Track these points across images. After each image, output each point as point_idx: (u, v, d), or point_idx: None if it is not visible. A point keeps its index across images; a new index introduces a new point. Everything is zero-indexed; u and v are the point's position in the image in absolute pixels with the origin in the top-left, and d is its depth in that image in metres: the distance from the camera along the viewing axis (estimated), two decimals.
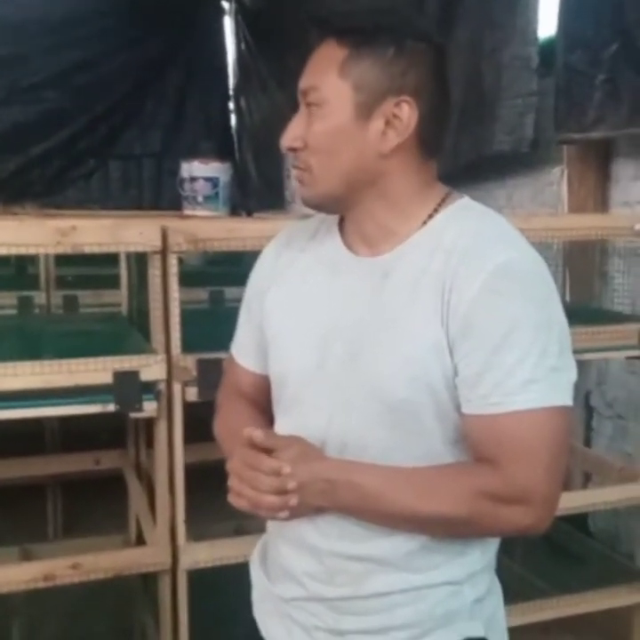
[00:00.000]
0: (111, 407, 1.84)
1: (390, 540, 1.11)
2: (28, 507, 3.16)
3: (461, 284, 1.04)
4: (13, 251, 1.78)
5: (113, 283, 3.13)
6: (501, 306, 1.03)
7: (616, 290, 3.18)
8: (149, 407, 1.87)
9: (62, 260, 3.31)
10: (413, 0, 3.86)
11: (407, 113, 1.08)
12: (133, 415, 1.88)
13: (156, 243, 1.85)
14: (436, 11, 3.71)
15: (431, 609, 1.12)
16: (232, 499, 1.09)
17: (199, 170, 2.87)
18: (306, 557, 1.16)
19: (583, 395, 3.30)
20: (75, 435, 3.12)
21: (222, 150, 6.05)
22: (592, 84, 2.73)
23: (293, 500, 1.05)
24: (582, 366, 1.28)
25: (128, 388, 1.84)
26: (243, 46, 6.29)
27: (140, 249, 1.87)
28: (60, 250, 1.80)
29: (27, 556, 2.59)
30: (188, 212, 2.86)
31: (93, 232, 1.81)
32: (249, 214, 4.77)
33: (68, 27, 5.80)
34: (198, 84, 6.43)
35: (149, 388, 1.87)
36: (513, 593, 1.25)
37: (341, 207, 1.16)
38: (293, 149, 1.12)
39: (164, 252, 1.87)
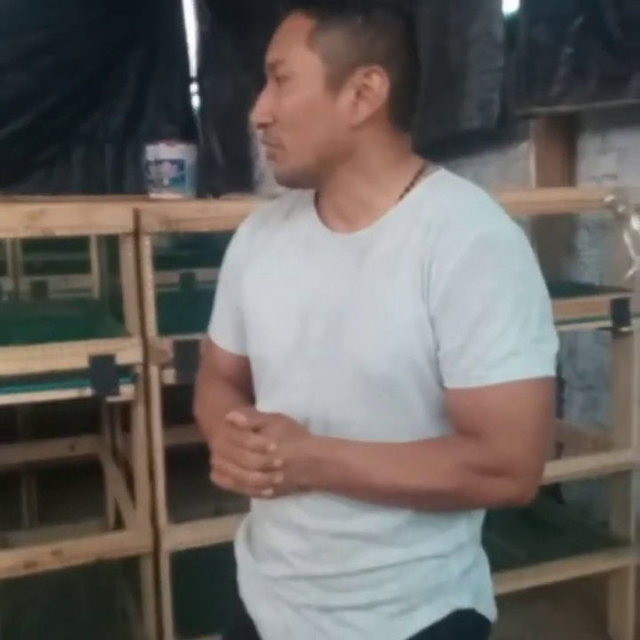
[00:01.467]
0: (88, 391, 1.82)
1: (376, 516, 1.11)
2: (3, 495, 3.13)
3: (441, 257, 1.03)
4: None
5: (82, 268, 3.11)
6: (481, 279, 1.02)
7: (584, 263, 3.22)
8: (126, 391, 1.85)
9: (30, 245, 3.27)
10: None
11: (378, 82, 1.06)
12: (110, 399, 1.86)
13: (129, 225, 1.83)
14: None
15: (419, 582, 1.12)
16: (215, 477, 1.08)
17: (165, 152, 2.83)
18: (292, 536, 1.16)
19: (555, 367, 3.35)
20: (47, 422, 3.10)
21: (185, 133, 6.02)
22: (556, 58, 2.75)
23: (278, 478, 1.05)
24: None
25: (104, 371, 1.82)
26: (206, 27, 6.22)
27: (112, 231, 1.85)
28: (30, 234, 1.77)
29: (4, 544, 2.58)
30: (153, 195, 2.80)
31: (64, 215, 1.79)
32: (216, 196, 4.73)
33: (29, 10, 5.70)
34: (160, 67, 6.36)
35: (126, 371, 1.86)
36: (491, 563, 1.25)
37: (315, 182, 1.15)
38: (264, 125, 1.10)
39: (136, 234, 1.85)
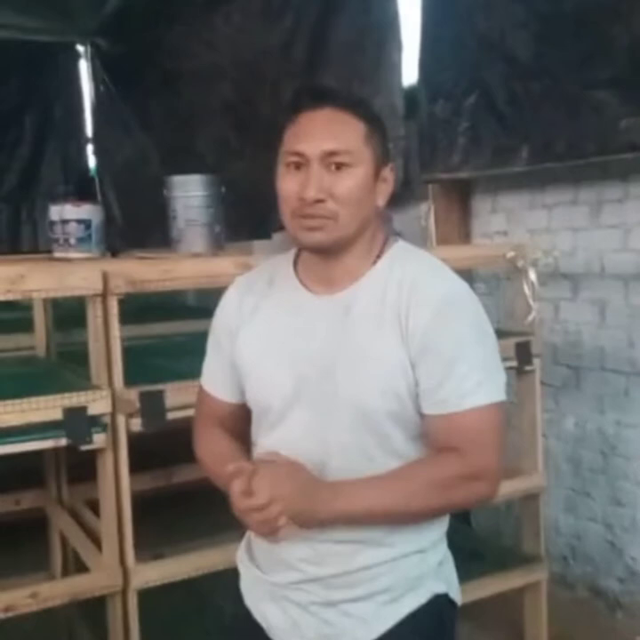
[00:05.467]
0: (63, 442, 1.97)
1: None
2: None
3: (415, 312, 1.31)
4: None
5: (6, 327, 3.20)
6: (449, 328, 1.31)
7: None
8: (98, 439, 2.00)
9: None
10: (280, 52, 4.17)
11: (392, 177, 1.39)
12: (84, 447, 1.99)
13: (98, 286, 2.00)
14: (303, 63, 4.02)
15: (405, 574, 1.37)
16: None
17: (71, 212, 2.91)
18: (300, 546, 1.37)
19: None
20: None
21: (81, 192, 6.12)
22: (455, 130, 3.12)
23: (282, 521, 1.23)
24: None
25: (78, 422, 1.97)
26: (102, 89, 6.37)
27: (83, 293, 2.01)
28: (11, 297, 1.92)
29: None
30: (59, 254, 2.88)
31: (41, 279, 1.94)
32: (114, 254, 4.85)
33: None
34: (55, 128, 6.46)
35: (96, 421, 2.01)
36: None
37: (344, 249, 1.36)
38: (320, 201, 1.30)
39: (104, 295, 2.02)
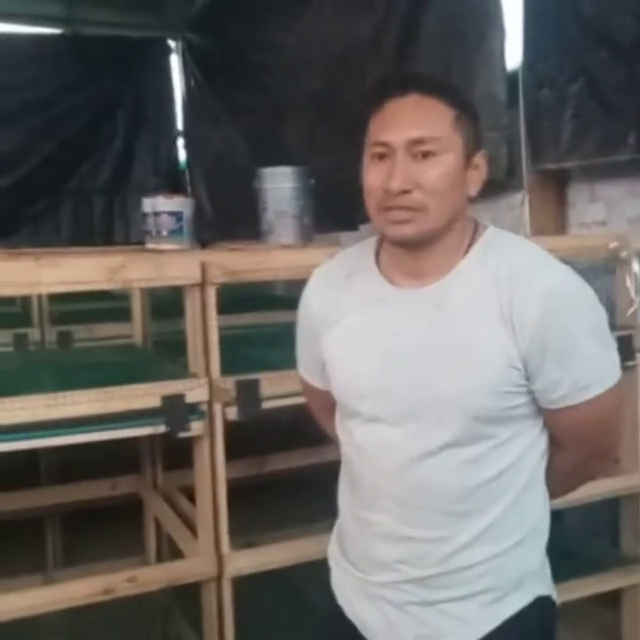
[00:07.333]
0: (161, 429, 2.00)
1: (468, 522, 1.31)
2: (26, 539, 3.21)
3: (520, 307, 1.25)
4: (69, 288, 1.92)
5: (103, 317, 3.29)
6: (562, 322, 1.25)
7: None
8: (196, 427, 2.03)
9: (55, 296, 3.39)
10: (370, 43, 4.13)
11: (484, 164, 1.32)
12: (182, 435, 2.02)
13: (197, 276, 2.02)
14: (394, 52, 3.97)
15: (508, 574, 1.33)
16: None
17: (163, 205, 2.95)
18: (396, 547, 1.34)
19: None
20: (67, 466, 3.20)
21: (171, 185, 6.23)
22: (560, 118, 3.04)
23: None
24: None
25: (176, 410, 1.99)
26: (192, 83, 6.47)
27: (182, 283, 2.03)
28: (111, 286, 1.96)
29: (49, 582, 2.69)
30: (151, 245, 2.92)
31: (141, 268, 1.97)
32: (203, 246, 4.91)
33: (19, 68, 5.91)
34: (147, 122, 6.59)
35: (193, 409, 2.03)
36: None
37: (433, 241, 1.30)
38: (406, 191, 1.25)
39: (202, 285, 2.04)
